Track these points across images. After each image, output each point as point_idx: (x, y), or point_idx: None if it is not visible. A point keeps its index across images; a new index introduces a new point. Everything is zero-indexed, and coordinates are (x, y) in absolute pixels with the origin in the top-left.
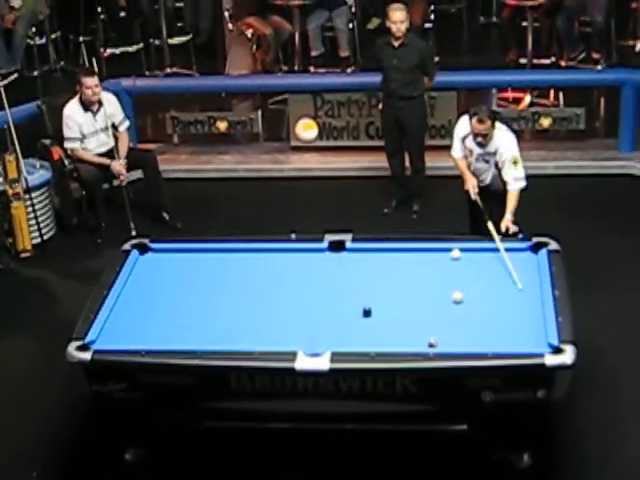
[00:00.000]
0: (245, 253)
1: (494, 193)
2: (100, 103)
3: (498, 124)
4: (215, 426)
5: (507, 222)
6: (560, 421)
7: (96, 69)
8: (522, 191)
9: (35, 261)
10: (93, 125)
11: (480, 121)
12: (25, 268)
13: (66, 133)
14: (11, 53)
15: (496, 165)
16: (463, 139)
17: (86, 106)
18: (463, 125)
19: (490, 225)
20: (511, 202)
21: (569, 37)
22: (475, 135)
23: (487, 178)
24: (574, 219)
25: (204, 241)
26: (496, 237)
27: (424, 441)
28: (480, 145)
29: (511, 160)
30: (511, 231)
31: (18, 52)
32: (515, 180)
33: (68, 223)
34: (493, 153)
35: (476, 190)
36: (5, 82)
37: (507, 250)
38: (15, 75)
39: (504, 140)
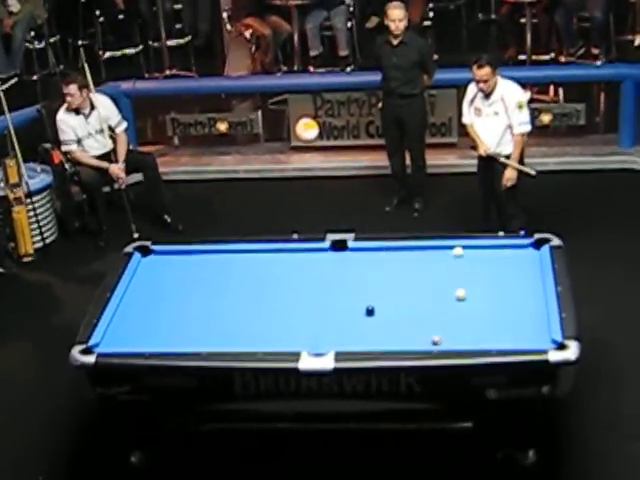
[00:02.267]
0: (247, 254)
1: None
2: (92, 106)
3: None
4: (220, 427)
5: (510, 172)
6: (565, 417)
7: (87, 73)
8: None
9: (37, 265)
10: (86, 128)
11: (480, 66)
12: (27, 272)
13: (61, 137)
14: (10, 58)
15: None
16: (471, 101)
17: (77, 110)
18: (470, 89)
19: (503, 159)
20: (516, 149)
21: (568, 33)
22: (477, 82)
23: (497, 140)
24: (575, 215)
25: (206, 242)
26: (513, 164)
27: (429, 439)
28: (484, 94)
29: (516, 104)
30: (509, 184)
31: (17, 56)
32: (519, 124)
33: (70, 227)
34: (500, 101)
35: (489, 151)
36: (5, 87)
37: (508, 247)
38: (14, 79)
39: (508, 87)
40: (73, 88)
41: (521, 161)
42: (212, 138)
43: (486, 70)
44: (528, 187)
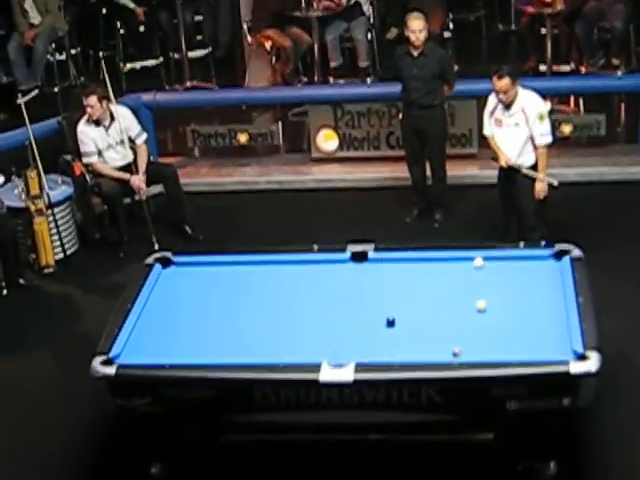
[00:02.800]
0: (268, 265)
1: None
2: (112, 117)
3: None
4: (240, 439)
5: (540, 185)
6: (586, 429)
7: (108, 85)
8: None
9: (58, 276)
10: (106, 140)
11: (500, 77)
12: (48, 284)
13: (82, 148)
14: (31, 70)
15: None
16: (492, 112)
17: (97, 122)
18: (490, 100)
19: (526, 170)
20: (541, 161)
21: (588, 44)
22: (497, 93)
23: (517, 151)
24: (597, 226)
25: (227, 254)
26: (536, 174)
27: (450, 451)
28: (504, 105)
29: (537, 115)
30: (542, 196)
31: (38, 68)
32: (541, 135)
33: (90, 238)
34: (521, 112)
35: (510, 162)
36: (26, 99)
37: (529, 258)
38: (36, 91)
39: (528, 98)
40: (93, 99)
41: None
42: (232, 149)
43: (506, 81)
44: (548, 198)
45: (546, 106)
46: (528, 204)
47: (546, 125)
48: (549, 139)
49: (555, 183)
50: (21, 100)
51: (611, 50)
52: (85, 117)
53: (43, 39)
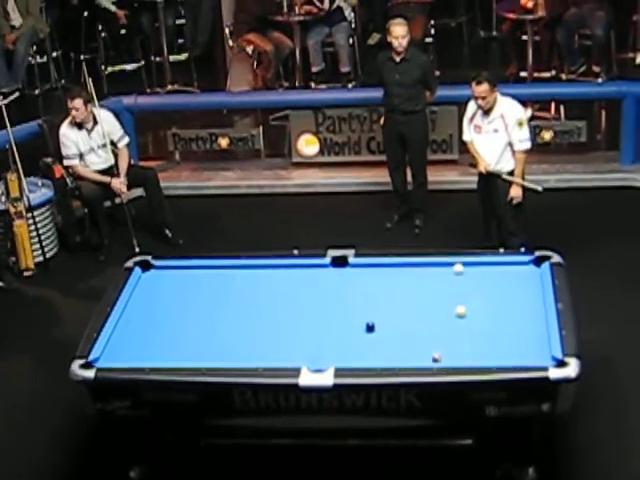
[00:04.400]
0: (248, 269)
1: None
2: (95, 121)
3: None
4: (219, 443)
5: (515, 190)
6: (565, 434)
7: (91, 88)
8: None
9: (38, 279)
10: (88, 143)
11: (478, 83)
12: (28, 287)
13: (64, 151)
14: (12, 72)
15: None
16: (471, 119)
17: (79, 125)
18: (470, 106)
19: (506, 176)
20: (518, 166)
21: (569, 50)
22: (476, 98)
23: (496, 157)
24: (576, 232)
25: (207, 258)
26: (516, 180)
27: (429, 456)
28: (483, 110)
29: (516, 122)
30: (515, 202)
31: (19, 71)
32: (520, 141)
33: (71, 241)
34: (500, 118)
35: (489, 168)
36: (6, 101)
37: (509, 264)
38: (16, 94)
39: (507, 104)
40: (79, 102)
41: (522, 178)
42: (213, 153)
43: (484, 87)
44: (529, 204)
45: (525, 113)
46: (507, 210)
47: (525, 131)
48: (528, 145)
49: (539, 189)
50: (2, 102)
51: (592, 57)
52: (68, 120)
53: (24, 41)
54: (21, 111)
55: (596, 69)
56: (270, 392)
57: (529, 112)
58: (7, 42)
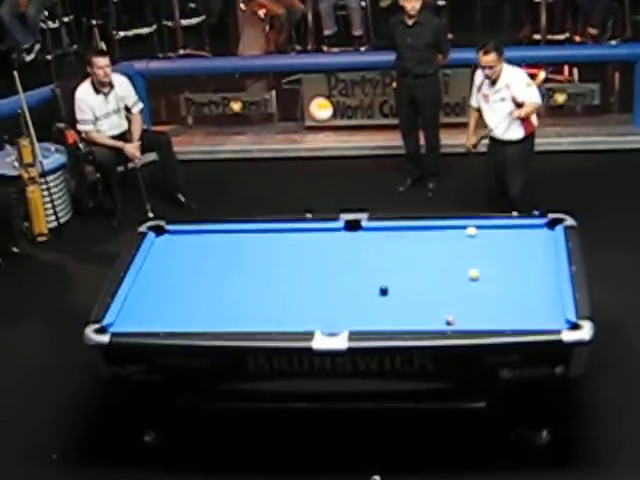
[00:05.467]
0: (261, 233)
1: (507, 144)
2: (111, 85)
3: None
4: (233, 407)
5: (518, 111)
6: (578, 398)
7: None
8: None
9: (51, 245)
10: (105, 107)
11: (486, 52)
12: (41, 252)
13: (79, 115)
14: (28, 30)
15: (514, 102)
16: (479, 87)
17: (97, 88)
18: (477, 75)
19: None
20: (527, 106)
21: (593, 13)
22: (483, 68)
23: (505, 126)
24: (590, 195)
25: (220, 222)
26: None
27: (442, 419)
28: (490, 80)
29: (524, 83)
30: (515, 115)
31: (34, 32)
32: (530, 99)
33: (84, 206)
34: (506, 87)
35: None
36: (32, 55)
37: (522, 227)
38: (38, 46)
39: (513, 72)
40: (106, 61)
41: (532, 141)
42: (226, 118)
43: (492, 56)
44: (542, 168)
45: (539, 75)
46: (514, 176)
47: (534, 89)
48: (539, 100)
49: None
50: (28, 57)
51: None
52: (85, 84)
53: (36, 6)
54: (33, 76)
55: (592, 31)
56: (284, 356)
57: (543, 74)
58: (19, 7)
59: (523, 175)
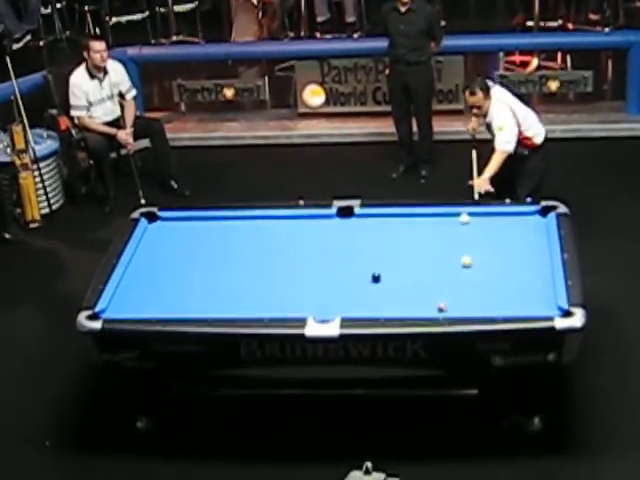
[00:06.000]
0: (253, 220)
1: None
2: (106, 71)
3: (496, 94)
4: (226, 394)
5: (482, 181)
6: (570, 385)
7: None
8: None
9: (44, 231)
10: (100, 93)
11: (472, 93)
12: (34, 238)
13: (72, 101)
14: (27, 16)
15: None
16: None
17: (92, 74)
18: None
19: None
20: (492, 163)
21: None
22: (470, 107)
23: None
24: (582, 182)
25: (212, 209)
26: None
27: (435, 406)
28: (477, 117)
29: (497, 127)
30: (484, 191)
31: (35, 14)
32: (500, 144)
33: (76, 193)
34: (489, 124)
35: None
36: (20, 44)
37: (515, 214)
38: (28, 37)
39: (493, 111)
40: (102, 45)
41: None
42: (219, 104)
43: (478, 97)
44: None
45: (502, 119)
46: (521, 190)
47: (506, 134)
48: (507, 147)
49: (476, 196)
50: (16, 46)
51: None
52: (80, 69)
53: None
54: (26, 63)
55: (593, 17)
56: (276, 342)
57: (535, 62)
58: None
59: (530, 187)
